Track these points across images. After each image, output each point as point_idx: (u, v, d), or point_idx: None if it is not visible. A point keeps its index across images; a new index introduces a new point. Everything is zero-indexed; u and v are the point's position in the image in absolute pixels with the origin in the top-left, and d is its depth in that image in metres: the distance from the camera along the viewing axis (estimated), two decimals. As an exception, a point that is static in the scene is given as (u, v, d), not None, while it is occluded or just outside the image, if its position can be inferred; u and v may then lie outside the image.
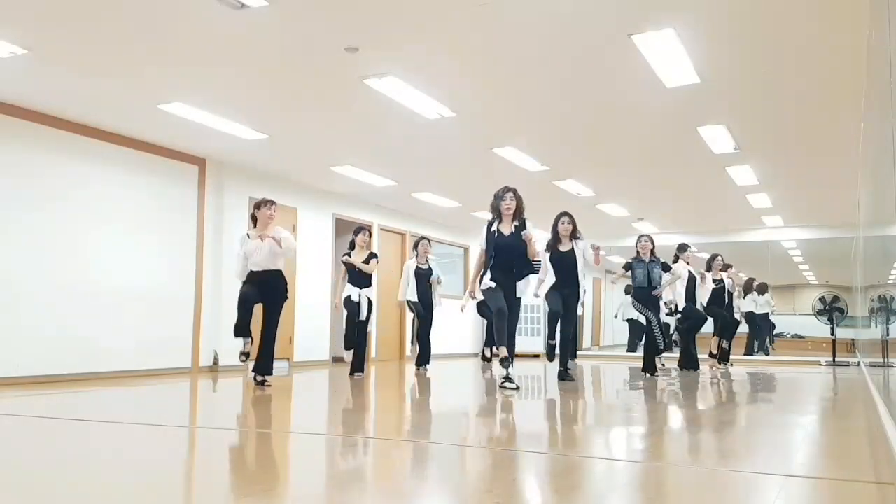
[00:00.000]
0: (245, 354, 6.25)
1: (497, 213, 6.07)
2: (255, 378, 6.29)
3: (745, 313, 13.28)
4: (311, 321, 10.27)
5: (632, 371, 9.07)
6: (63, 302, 7.10)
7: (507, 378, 5.84)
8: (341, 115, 7.14)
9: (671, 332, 9.45)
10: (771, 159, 8.88)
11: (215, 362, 8.61)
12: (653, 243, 7.94)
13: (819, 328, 12.97)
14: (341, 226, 11.04)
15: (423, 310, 8.49)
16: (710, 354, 9.55)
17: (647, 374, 7.78)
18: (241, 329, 6.16)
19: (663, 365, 8.22)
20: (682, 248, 9.15)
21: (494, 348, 6.22)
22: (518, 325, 6.34)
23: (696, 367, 8.81)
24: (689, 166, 9.17)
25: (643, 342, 8.20)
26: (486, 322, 10.18)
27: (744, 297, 13.12)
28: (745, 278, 13.36)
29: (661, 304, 8.78)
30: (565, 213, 6.96)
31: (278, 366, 9.46)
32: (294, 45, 5.39)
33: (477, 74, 6.05)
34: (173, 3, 4.70)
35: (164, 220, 8.26)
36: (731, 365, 10.08)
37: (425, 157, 8.80)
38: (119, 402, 5.66)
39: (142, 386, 6.70)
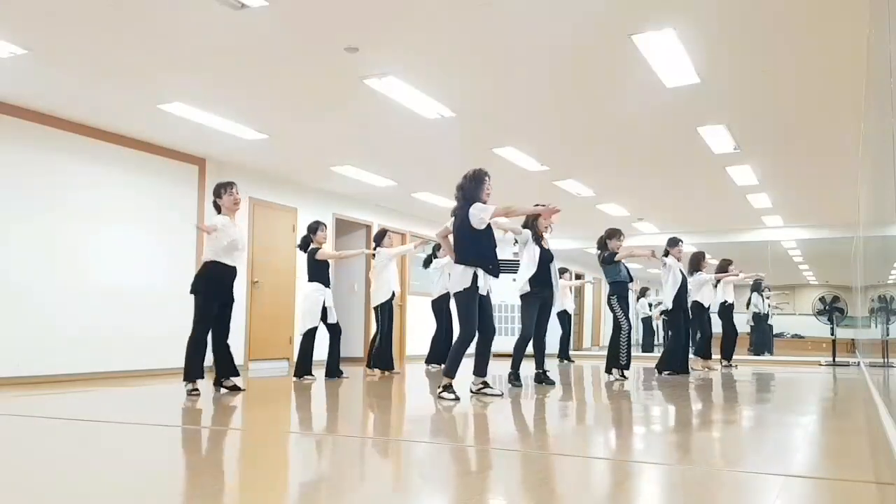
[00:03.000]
0: (196, 391, 5.52)
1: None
2: (218, 384, 5.76)
3: (755, 314, 13.23)
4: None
5: (633, 372, 9.04)
6: (63, 302, 7.10)
7: (485, 384, 5.50)
8: (341, 115, 7.13)
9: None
10: (771, 159, 8.88)
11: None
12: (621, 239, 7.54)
13: (819, 328, 12.96)
14: (341, 226, 11.06)
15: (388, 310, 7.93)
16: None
17: (609, 375, 7.42)
18: (196, 372, 5.47)
19: (621, 375, 7.38)
20: (673, 242, 8.34)
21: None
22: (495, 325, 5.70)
23: (670, 369, 8.19)
24: (689, 166, 9.16)
25: (622, 341, 7.44)
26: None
27: (758, 297, 13.07)
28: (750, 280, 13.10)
29: (649, 306, 8.64)
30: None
31: (278, 366, 9.53)
32: (294, 45, 5.39)
33: (477, 74, 6.05)
34: (173, 4, 4.70)
35: (164, 220, 8.25)
36: (735, 367, 9.78)
37: (425, 157, 8.80)
38: (119, 402, 5.66)
39: (142, 386, 6.69)
